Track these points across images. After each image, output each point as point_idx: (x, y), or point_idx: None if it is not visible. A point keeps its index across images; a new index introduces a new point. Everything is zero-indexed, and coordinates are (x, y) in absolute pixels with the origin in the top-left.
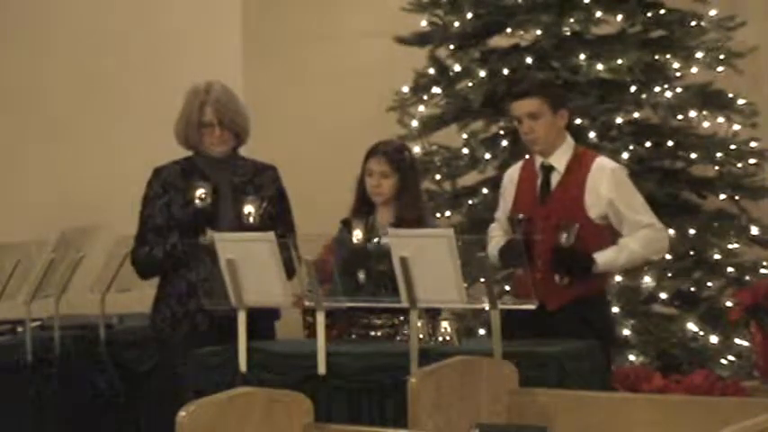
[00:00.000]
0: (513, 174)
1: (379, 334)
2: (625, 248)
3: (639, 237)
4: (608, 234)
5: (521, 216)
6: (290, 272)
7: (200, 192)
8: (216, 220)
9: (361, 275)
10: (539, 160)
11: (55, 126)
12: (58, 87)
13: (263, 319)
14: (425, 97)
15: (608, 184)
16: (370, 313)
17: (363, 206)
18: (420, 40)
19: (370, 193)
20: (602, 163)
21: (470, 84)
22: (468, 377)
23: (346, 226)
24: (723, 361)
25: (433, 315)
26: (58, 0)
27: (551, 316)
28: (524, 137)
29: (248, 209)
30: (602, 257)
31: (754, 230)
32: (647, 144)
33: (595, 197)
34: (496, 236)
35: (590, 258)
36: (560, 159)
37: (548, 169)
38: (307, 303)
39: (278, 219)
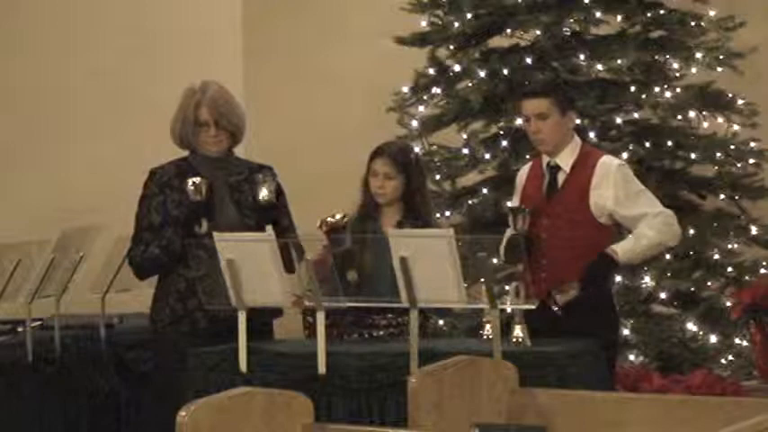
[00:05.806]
0: (522, 173)
1: (381, 333)
2: (641, 237)
3: (653, 224)
4: (610, 234)
5: (522, 207)
6: (290, 272)
7: (192, 181)
8: (212, 217)
9: (353, 275)
10: (545, 160)
11: (55, 126)
12: (57, 87)
13: (260, 317)
14: (425, 97)
15: (612, 183)
16: (374, 313)
17: (369, 206)
18: (420, 40)
19: (374, 194)
20: (606, 161)
21: (470, 84)
22: (468, 377)
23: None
24: (723, 361)
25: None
26: (57, 1)
27: (556, 314)
28: (532, 136)
29: (263, 192)
30: (620, 248)
31: (754, 230)
32: (647, 144)
33: (598, 196)
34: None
35: (608, 255)
36: (566, 159)
37: (554, 169)
38: (307, 303)
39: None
